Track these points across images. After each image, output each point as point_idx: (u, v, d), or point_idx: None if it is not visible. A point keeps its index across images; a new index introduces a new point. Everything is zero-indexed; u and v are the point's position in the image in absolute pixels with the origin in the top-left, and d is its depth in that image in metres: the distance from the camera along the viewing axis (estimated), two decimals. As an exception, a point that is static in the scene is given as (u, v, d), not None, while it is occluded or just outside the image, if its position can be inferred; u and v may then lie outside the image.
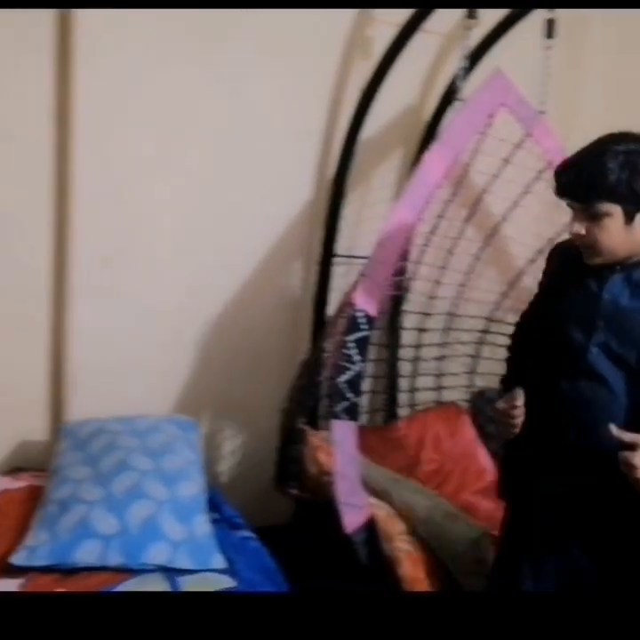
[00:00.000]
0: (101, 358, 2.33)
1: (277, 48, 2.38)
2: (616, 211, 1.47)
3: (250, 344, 2.61)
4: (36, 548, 1.80)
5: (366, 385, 2.57)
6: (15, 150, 2.13)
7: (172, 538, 1.87)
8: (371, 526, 2.16)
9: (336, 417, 2.17)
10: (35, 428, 2.32)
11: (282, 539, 2.19)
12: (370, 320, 2.15)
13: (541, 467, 1.62)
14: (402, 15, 2.27)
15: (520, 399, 1.59)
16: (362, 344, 2.17)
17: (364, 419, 2.66)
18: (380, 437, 2.62)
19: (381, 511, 2.17)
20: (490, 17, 2.32)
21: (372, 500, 2.22)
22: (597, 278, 1.56)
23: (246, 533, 2.08)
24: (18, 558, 1.79)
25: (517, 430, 1.62)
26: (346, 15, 2.45)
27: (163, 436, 2.13)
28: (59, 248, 2.23)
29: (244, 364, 2.61)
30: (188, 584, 1.80)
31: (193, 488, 2.01)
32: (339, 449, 2.17)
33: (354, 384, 2.18)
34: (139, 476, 1.96)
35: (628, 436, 1.43)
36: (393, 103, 2.55)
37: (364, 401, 2.54)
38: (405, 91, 2.60)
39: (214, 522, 1.99)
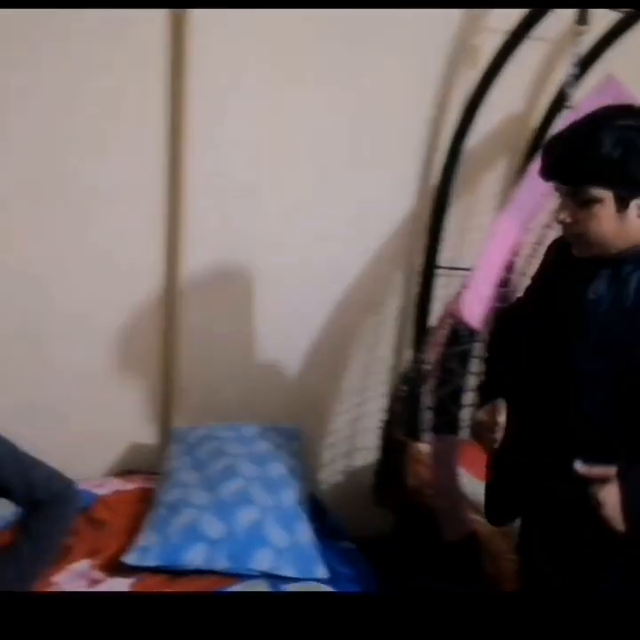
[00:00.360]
0: (209, 364, 2.40)
1: (382, 55, 2.38)
2: (607, 196, 1.29)
3: (351, 353, 2.62)
4: (147, 549, 1.87)
5: (468, 399, 2.52)
6: (129, 150, 2.19)
7: (277, 545, 1.89)
8: (472, 541, 2.13)
9: (437, 430, 2.16)
10: (145, 431, 2.41)
11: (382, 550, 2.19)
12: (472, 333, 2.12)
13: (536, 474, 1.48)
14: (509, 22, 2.23)
15: (502, 414, 1.45)
16: (463, 357, 2.15)
17: (465, 433, 2.62)
18: (482, 452, 2.57)
19: (485, 528, 2.13)
20: (602, 18, 2.25)
21: (475, 516, 2.18)
22: (586, 275, 1.38)
23: (348, 544, 2.09)
24: (130, 558, 1.85)
25: (497, 444, 1.48)
26: (452, 23, 2.43)
27: (267, 444, 2.18)
28: (170, 253, 2.30)
29: (345, 373, 2.63)
30: (292, 592, 1.82)
31: (296, 496, 2.04)
32: (439, 462, 2.15)
33: (455, 397, 2.16)
34: (245, 483, 2.00)
35: (595, 471, 1.30)
36: (499, 111, 2.50)
37: (465, 415, 2.50)
38: (512, 98, 2.55)
39: (317, 531, 2.00)
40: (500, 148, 2.62)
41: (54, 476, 1.61)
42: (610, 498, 1.29)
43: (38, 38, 2.02)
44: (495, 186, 2.63)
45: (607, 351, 1.34)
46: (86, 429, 2.31)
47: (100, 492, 2.17)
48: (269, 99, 2.30)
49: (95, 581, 1.85)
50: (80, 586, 1.82)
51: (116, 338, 2.30)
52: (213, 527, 1.90)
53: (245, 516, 1.92)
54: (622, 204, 1.29)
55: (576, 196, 1.32)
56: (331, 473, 2.69)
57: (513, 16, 2.22)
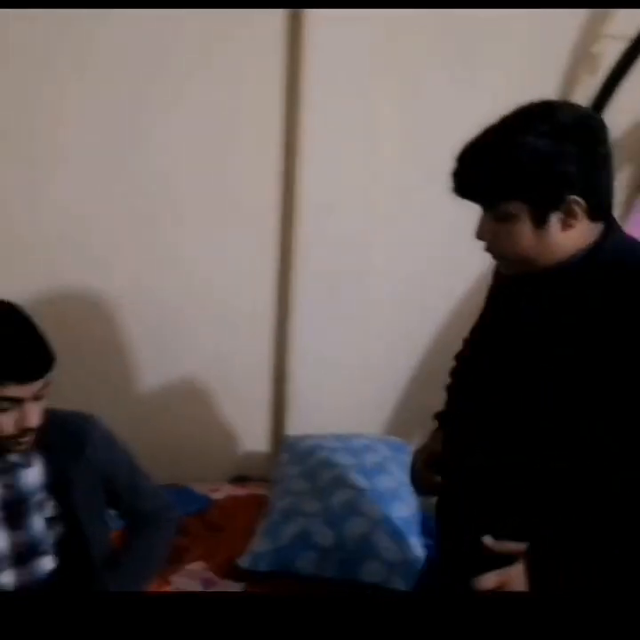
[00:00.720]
0: (319, 375, 2.43)
1: (499, 63, 2.33)
2: (523, 211, 1.17)
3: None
4: (260, 554, 1.91)
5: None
6: (244, 146, 2.18)
7: (387, 557, 1.89)
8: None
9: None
10: (257, 439, 2.47)
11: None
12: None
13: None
14: (630, 27, 2.15)
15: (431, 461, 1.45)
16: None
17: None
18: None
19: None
20: None
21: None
22: (518, 294, 1.28)
23: (458, 561, 2.05)
24: (244, 562, 1.90)
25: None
26: (570, 30, 2.36)
27: (376, 456, 2.18)
28: (282, 263, 2.32)
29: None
30: (402, 606, 1.80)
31: (406, 510, 2.03)
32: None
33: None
34: (354, 494, 2.01)
35: (504, 547, 1.23)
36: (621, 119, 2.41)
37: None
38: (635, 106, 2.45)
39: (427, 547, 1.98)
40: (623, 158, 2.52)
41: (158, 494, 1.59)
42: (517, 575, 1.22)
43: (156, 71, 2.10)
44: (617, 196, 2.53)
45: (536, 374, 1.24)
46: (201, 436, 2.40)
47: (216, 496, 2.24)
48: (382, 108, 2.29)
49: (208, 583, 1.91)
50: (194, 586, 1.88)
51: (230, 349, 2.37)
52: (324, 536, 1.92)
53: (355, 527, 1.93)
54: (540, 219, 1.17)
55: (492, 212, 1.22)
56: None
57: (634, 21, 2.14)
